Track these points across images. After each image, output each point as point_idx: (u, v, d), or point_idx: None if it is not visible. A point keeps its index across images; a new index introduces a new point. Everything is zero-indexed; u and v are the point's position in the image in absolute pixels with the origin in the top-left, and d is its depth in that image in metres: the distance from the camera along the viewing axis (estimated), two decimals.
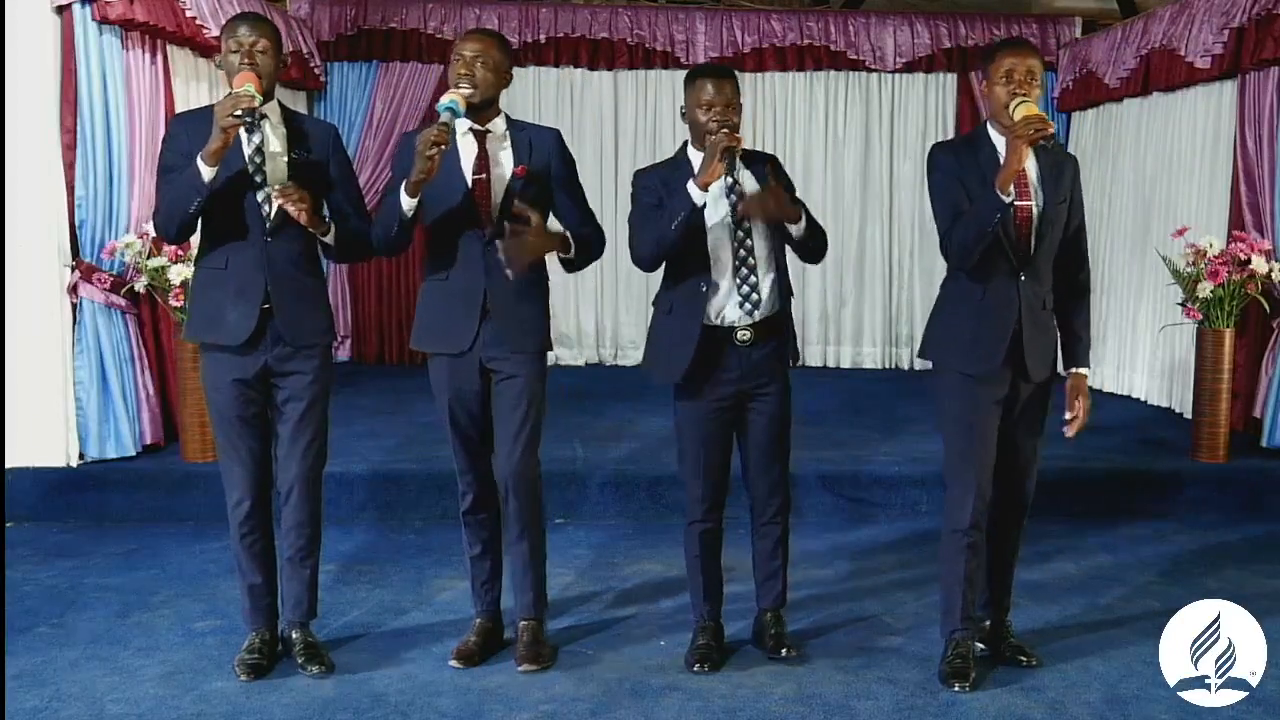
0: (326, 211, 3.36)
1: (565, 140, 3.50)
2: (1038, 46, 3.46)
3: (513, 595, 3.54)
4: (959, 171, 3.28)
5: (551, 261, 3.45)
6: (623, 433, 5.89)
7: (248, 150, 3.22)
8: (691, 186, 3.23)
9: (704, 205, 3.26)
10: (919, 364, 8.29)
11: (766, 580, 3.55)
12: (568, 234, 3.42)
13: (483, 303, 3.34)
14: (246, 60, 3.17)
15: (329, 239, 3.32)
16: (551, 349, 3.54)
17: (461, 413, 3.43)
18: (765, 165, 3.42)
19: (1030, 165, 3.28)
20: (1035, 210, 3.26)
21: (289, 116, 3.36)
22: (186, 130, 3.26)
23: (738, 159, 3.30)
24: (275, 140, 3.28)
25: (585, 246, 3.46)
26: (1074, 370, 3.41)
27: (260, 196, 3.23)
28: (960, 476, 3.34)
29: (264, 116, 3.25)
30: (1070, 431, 3.38)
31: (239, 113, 3.04)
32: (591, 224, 3.50)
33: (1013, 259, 3.26)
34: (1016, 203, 3.23)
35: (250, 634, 3.43)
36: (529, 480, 3.40)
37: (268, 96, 3.25)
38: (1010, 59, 3.21)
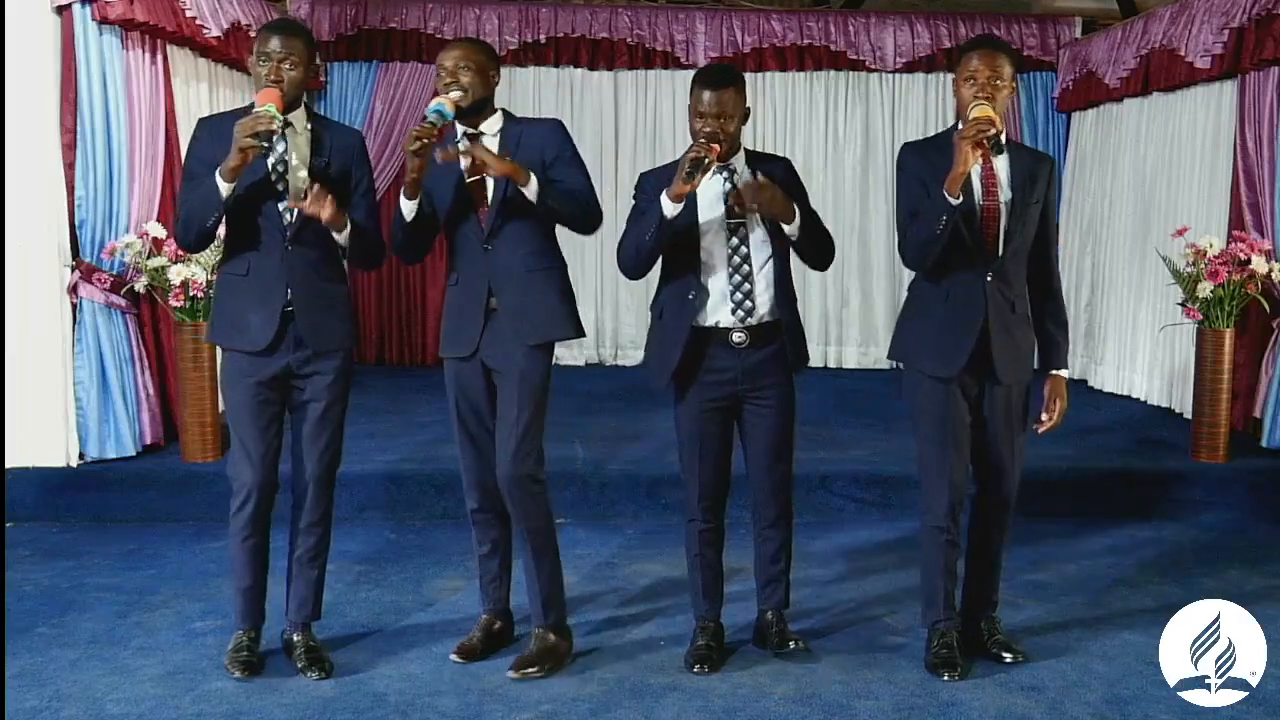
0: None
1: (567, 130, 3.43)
2: (1007, 43, 3.44)
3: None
4: (923, 172, 3.30)
5: (568, 249, 3.44)
6: (622, 433, 5.89)
7: (270, 159, 3.22)
8: (664, 198, 3.22)
9: (675, 217, 3.23)
10: None
11: (768, 584, 3.55)
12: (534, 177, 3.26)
13: (486, 303, 3.33)
14: (273, 76, 3.17)
15: (343, 238, 3.28)
16: (581, 334, 3.45)
17: (468, 411, 3.42)
18: (778, 167, 3.43)
19: (1002, 165, 3.30)
20: (1003, 211, 3.27)
21: (315, 121, 3.35)
22: (210, 135, 3.26)
23: (712, 168, 3.21)
24: (298, 148, 3.27)
25: (569, 200, 3.28)
26: (1052, 373, 3.43)
27: (281, 205, 3.24)
28: (933, 474, 3.38)
29: (288, 124, 3.23)
30: (1040, 430, 3.43)
31: (258, 134, 3.04)
32: (587, 196, 3.35)
33: (979, 259, 3.27)
34: (983, 202, 3.25)
35: (237, 632, 3.42)
36: (523, 480, 3.32)
37: (295, 103, 3.25)
38: (976, 61, 3.22)
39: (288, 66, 3.20)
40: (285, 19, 3.68)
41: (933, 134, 3.57)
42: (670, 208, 3.21)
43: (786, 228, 3.30)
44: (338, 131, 3.42)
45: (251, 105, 3.27)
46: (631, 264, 3.36)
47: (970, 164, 3.14)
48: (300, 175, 3.24)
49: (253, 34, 5.63)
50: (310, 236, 3.27)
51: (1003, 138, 3.21)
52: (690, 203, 3.30)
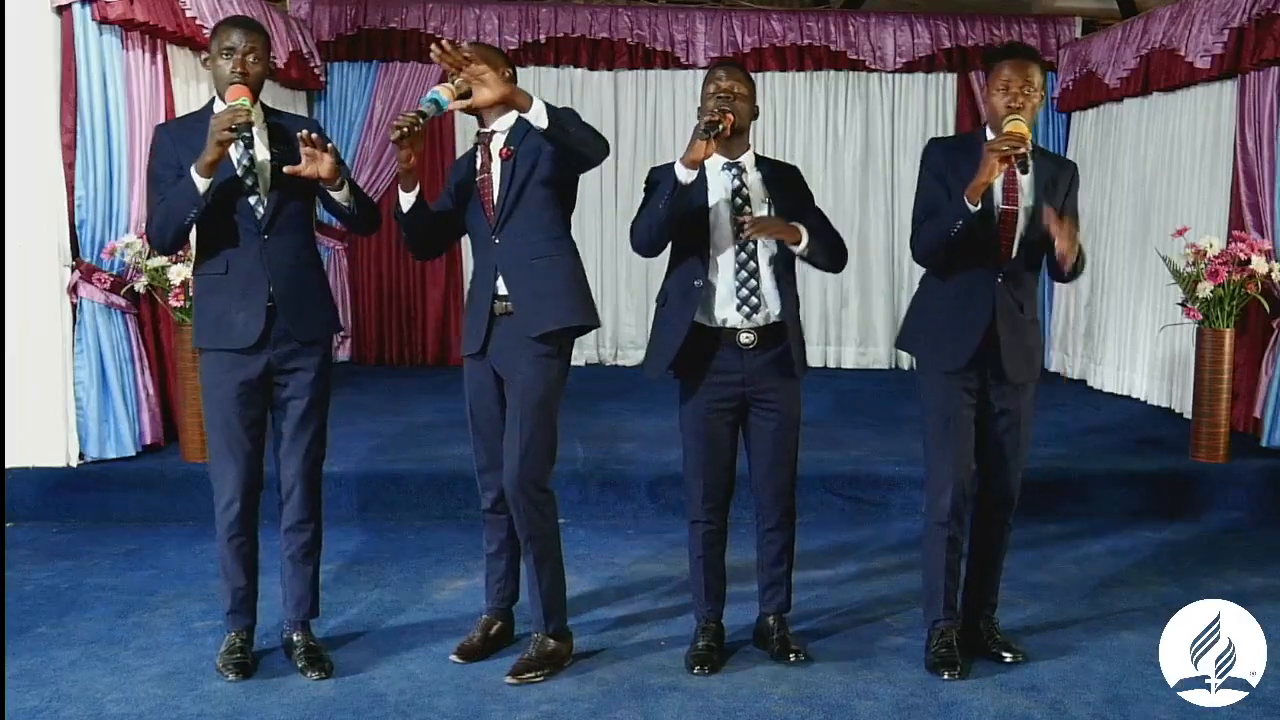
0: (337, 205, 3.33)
1: None
2: (1038, 50, 3.45)
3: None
4: (946, 170, 3.31)
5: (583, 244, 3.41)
6: (622, 433, 5.89)
7: (235, 154, 3.22)
8: (678, 165, 3.20)
9: (690, 183, 3.20)
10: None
11: (770, 587, 3.55)
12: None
13: (490, 305, 3.32)
14: (238, 69, 3.18)
15: (343, 195, 3.26)
16: (595, 323, 3.39)
17: (481, 411, 3.41)
18: (786, 173, 3.44)
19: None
20: (1021, 217, 3.29)
21: (269, 115, 3.36)
22: (172, 139, 3.28)
23: (726, 135, 3.21)
24: (261, 142, 3.28)
25: (577, 122, 3.27)
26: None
27: (253, 199, 3.24)
28: (938, 469, 3.40)
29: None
30: (1051, 227, 3.19)
31: (235, 127, 3.04)
32: (592, 128, 3.32)
33: (992, 261, 3.29)
34: (1003, 207, 3.27)
35: (229, 634, 3.42)
36: (528, 490, 3.28)
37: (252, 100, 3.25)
38: (1009, 70, 3.24)
39: (251, 60, 3.21)
40: (243, 15, 3.68)
41: (960, 133, 3.58)
42: (685, 174, 3.18)
43: (795, 249, 3.30)
44: (292, 121, 3.43)
45: (210, 105, 3.30)
46: (645, 239, 3.34)
47: (995, 175, 3.17)
48: (267, 164, 3.25)
49: None
50: (285, 225, 3.28)
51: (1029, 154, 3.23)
52: (700, 189, 3.30)
